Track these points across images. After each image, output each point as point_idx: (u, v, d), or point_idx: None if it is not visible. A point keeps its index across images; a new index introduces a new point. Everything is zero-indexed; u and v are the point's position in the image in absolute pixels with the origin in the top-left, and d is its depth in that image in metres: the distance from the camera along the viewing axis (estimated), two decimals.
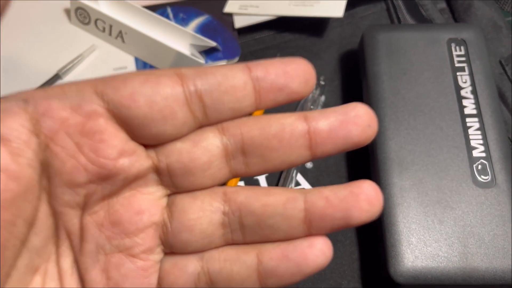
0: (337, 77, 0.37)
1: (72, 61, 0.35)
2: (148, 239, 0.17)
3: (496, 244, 0.27)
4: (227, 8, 0.38)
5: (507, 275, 0.26)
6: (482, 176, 0.29)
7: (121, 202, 0.17)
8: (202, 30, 0.37)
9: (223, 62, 0.37)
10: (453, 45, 0.33)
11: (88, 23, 0.36)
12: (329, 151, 0.17)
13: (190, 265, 0.17)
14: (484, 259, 0.27)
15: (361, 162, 0.32)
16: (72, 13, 0.37)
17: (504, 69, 0.35)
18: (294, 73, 0.16)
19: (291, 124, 0.16)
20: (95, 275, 0.17)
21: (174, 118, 0.16)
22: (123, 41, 0.36)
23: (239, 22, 0.37)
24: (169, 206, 0.18)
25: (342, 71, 0.37)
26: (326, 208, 0.16)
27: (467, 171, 0.29)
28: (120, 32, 0.35)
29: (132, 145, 0.16)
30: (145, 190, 0.17)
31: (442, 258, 0.27)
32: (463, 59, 0.32)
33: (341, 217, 0.16)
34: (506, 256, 0.27)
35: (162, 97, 0.16)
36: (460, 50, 0.33)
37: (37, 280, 0.16)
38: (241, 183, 0.33)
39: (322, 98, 0.35)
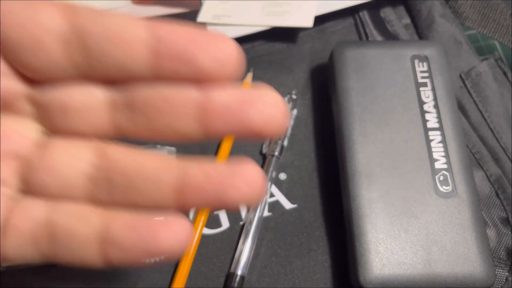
0: (309, 91, 0.38)
1: None
2: (5, 168, 0.16)
3: (457, 250, 0.29)
4: (200, 18, 0.39)
5: (467, 280, 0.28)
6: (444, 187, 0.31)
7: None
8: None
9: None
10: (416, 61, 0.35)
11: None
12: (222, 130, 0.15)
13: (37, 211, 0.16)
14: (446, 265, 0.28)
15: (332, 174, 0.34)
16: None
17: (464, 82, 0.37)
18: (205, 44, 0.14)
19: (184, 92, 0.15)
20: None
21: (43, 50, 0.14)
22: None
23: None
24: (41, 145, 0.16)
25: (313, 85, 0.39)
26: (203, 182, 0.15)
27: (430, 182, 0.31)
28: None
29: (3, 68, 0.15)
30: (17, 118, 0.16)
31: (408, 265, 0.28)
32: (426, 74, 0.34)
33: (215, 193, 0.15)
34: (467, 261, 0.29)
35: (34, 23, 0.14)
36: (423, 66, 0.34)
37: None
38: None
39: (295, 111, 0.37)
